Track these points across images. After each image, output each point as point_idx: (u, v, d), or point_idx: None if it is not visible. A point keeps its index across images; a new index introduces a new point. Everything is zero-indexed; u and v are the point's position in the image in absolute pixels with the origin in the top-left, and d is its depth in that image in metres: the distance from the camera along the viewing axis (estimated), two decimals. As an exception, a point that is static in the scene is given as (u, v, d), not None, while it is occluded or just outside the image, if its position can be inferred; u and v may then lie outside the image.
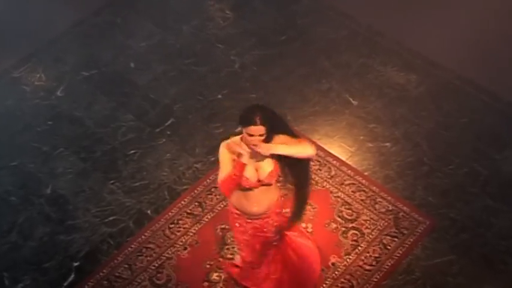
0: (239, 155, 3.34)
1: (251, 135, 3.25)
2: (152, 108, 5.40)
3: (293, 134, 3.44)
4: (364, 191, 4.82)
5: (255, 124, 3.22)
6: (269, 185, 3.53)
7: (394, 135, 5.17)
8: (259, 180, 3.49)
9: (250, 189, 3.52)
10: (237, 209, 3.68)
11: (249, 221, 3.70)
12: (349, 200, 4.77)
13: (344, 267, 4.43)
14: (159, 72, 5.62)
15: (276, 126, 3.32)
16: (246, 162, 3.32)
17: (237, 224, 3.75)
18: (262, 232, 3.74)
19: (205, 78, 5.59)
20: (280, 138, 3.41)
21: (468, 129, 5.13)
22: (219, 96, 5.44)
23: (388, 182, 4.88)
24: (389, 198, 4.78)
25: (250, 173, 3.46)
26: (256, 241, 3.77)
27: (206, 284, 4.35)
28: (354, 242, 4.55)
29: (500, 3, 5.64)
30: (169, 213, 4.73)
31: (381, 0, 5.89)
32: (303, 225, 4.61)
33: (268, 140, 3.36)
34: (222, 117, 5.23)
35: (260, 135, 3.26)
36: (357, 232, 4.61)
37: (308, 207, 4.68)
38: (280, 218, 3.78)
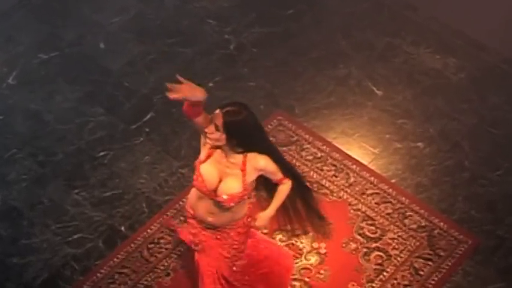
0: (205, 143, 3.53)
1: (212, 119, 3.41)
2: (127, 99, 5.40)
3: (271, 151, 3.58)
4: (390, 202, 4.83)
5: (221, 108, 3.36)
6: (223, 205, 3.59)
7: (428, 133, 5.18)
8: (213, 192, 3.56)
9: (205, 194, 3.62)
10: (193, 214, 3.76)
11: (204, 232, 3.77)
12: (372, 214, 4.77)
13: (366, 298, 4.47)
14: (135, 55, 5.63)
15: (244, 139, 3.44)
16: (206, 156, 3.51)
17: (191, 236, 3.82)
18: (218, 248, 3.78)
19: (193, 62, 5.59)
20: (255, 158, 3.51)
21: (520, 125, 5.19)
22: (210, 84, 5.44)
23: (420, 192, 4.88)
24: (421, 211, 4.79)
25: (208, 175, 3.53)
26: (210, 257, 3.81)
27: (194, 318, 4.36)
28: (378, 266, 4.55)
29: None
30: (148, 230, 4.72)
31: (412, -35, 5.93)
32: (315, 244, 4.62)
33: (232, 148, 3.46)
34: (213, 111, 5.19)
35: (215, 127, 3.37)
36: (381, 254, 4.61)
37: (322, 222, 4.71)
38: (241, 238, 3.82)
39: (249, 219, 3.80)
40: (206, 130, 3.42)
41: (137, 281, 4.52)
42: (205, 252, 3.82)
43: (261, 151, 3.51)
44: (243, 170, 3.50)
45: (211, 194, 3.57)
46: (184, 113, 3.45)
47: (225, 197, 3.53)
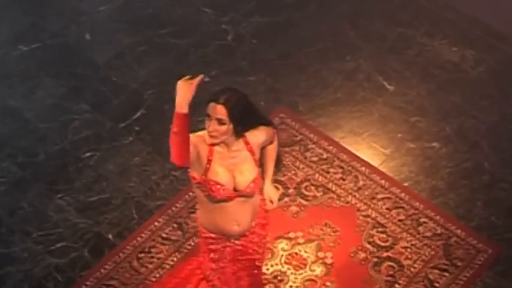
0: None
1: (209, 116, 3.38)
2: (115, 95, 5.40)
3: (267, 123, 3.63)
4: (403, 208, 4.83)
5: (216, 101, 3.35)
6: (250, 196, 3.57)
7: (444, 132, 5.18)
8: (236, 190, 3.53)
9: (225, 200, 3.55)
10: (211, 231, 3.69)
11: (229, 244, 3.72)
12: (383, 221, 4.77)
13: (376, 312, 4.48)
14: (123, 47, 5.64)
15: (247, 121, 3.46)
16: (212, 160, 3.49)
17: (211, 254, 3.75)
18: (247, 254, 3.75)
19: (187, 54, 5.60)
20: (255, 134, 3.55)
21: (545, 123, 5.19)
22: (206, 79, 5.33)
23: (436, 196, 4.88)
24: (437, 217, 4.79)
25: (224, 178, 3.49)
26: (236, 267, 3.78)
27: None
28: (389, 278, 4.55)
29: None
30: (138, 239, 4.73)
31: None
32: (321, 254, 4.62)
33: (237, 135, 3.46)
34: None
35: (219, 122, 3.36)
36: (393, 264, 4.61)
37: (327, 229, 4.70)
38: (266, 230, 3.81)
39: (262, 207, 3.75)
40: (210, 130, 3.39)
41: (126, 294, 4.54)
42: (226, 268, 3.79)
43: (258, 124, 3.54)
44: (251, 150, 3.51)
45: (233, 194, 3.52)
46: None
47: (252, 185, 3.51)
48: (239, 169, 3.51)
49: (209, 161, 3.48)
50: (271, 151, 3.74)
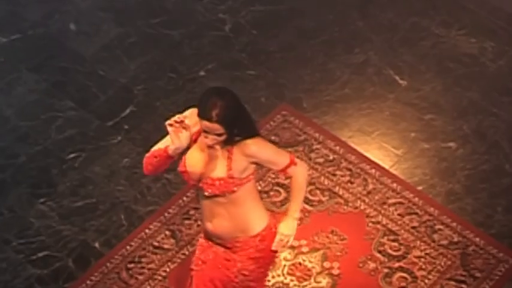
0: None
1: (206, 132, 3.47)
2: (102, 91, 5.40)
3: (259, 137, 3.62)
4: (416, 213, 4.82)
5: (209, 120, 3.42)
6: (214, 195, 3.59)
7: (462, 131, 5.18)
8: (199, 180, 3.59)
9: (204, 195, 3.63)
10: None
11: (214, 248, 3.77)
12: (395, 228, 4.77)
13: (387, 328, 4.48)
14: (111, 38, 5.65)
15: (240, 128, 3.52)
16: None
17: (197, 251, 3.84)
18: (226, 271, 3.76)
19: (181, 46, 5.60)
20: (249, 146, 3.53)
21: None
22: (201, 73, 5.46)
23: (452, 201, 4.88)
24: (453, 224, 4.78)
25: (192, 160, 3.59)
26: (214, 274, 3.79)
27: None
28: (402, 290, 4.59)
29: None
30: (128, 247, 4.73)
31: None
32: (327, 264, 4.60)
33: (229, 142, 3.51)
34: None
35: (217, 135, 3.47)
36: (406, 275, 4.60)
37: (333, 237, 4.70)
38: (253, 268, 3.76)
39: (264, 242, 3.72)
40: (210, 143, 3.48)
41: (114, 308, 4.56)
42: (205, 271, 3.81)
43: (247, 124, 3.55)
44: (229, 157, 3.53)
45: (193, 182, 3.61)
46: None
47: (209, 181, 3.55)
48: (213, 163, 3.56)
49: (194, 141, 3.59)
50: (298, 183, 3.66)
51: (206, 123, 3.42)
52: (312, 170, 4.96)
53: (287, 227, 3.70)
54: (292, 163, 3.60)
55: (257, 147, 3.54)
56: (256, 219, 3.71)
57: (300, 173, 3.65)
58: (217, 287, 3.79)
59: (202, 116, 3.43)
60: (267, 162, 3.60)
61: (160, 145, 3.56)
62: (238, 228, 3.70)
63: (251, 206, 3.67)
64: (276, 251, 3.77)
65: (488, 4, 5.69)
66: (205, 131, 3.46)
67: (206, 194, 3.60)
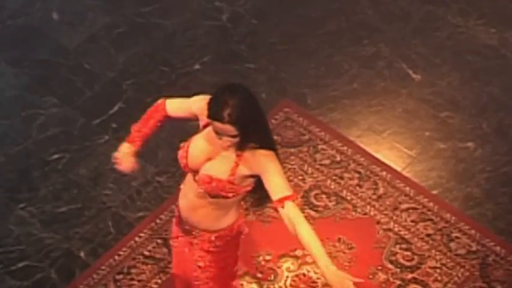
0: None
1: (219, 134, 3.45)
2: (88, 86, 5.40)
3: (273, 146, 3.57)
4: (431, 220, 4.83)
5: (221, 121, 3.39)
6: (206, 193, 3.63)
7: (481, 130, 5.19)
8: (190, 169, 3.64)
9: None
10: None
11: (182, 235, 3.85)
12: (408, 236, 4.77)
13: None
14: (98, 28, 5.65)
15: (255, 131, 3.48)
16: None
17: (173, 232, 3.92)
18: (194, 253, 3.84)
19: (174, 37, 5.61)
20: (258, 156, 3.50)
21: None
22: (196, 66, 5.47)
23: (470, 206, 4.89)
24: (472, 232, 4.79)
25: (195, 148, 3.61)
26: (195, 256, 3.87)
27: None
28: (415, 304, 4.60)
29: None
30: (116, 257, 4.73)
31: None
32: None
33: (242, 147, 3.50)
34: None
35: (232, 136, 3.44)
36: (420, 287, 4.60)
37: (341, 246, 4.69)
38: (216, 263, 3.82)
39: (222, 240, 3.78)
40: (225, 145, 3.47)
41: (101, 324, 4.59)
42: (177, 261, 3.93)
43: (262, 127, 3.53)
44: (237, 162, 3.52)
45: (189, 169, 3.64)
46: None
47: (203, 176, 3.57)
48: (217, 161, 3.57)
49: (204, 127, 3.62)
50: (301, 237, 3.40)
51: (217, 124, 3.38)
52: (316, 173, 4.98)
53: (338, 281, 3.29)
54: (292, 197, 3.41)
55: (266, 160, 3.47)
56: (226, 218, 3.76)
57: (296, 215, 3.39)
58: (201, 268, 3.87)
59: (212, 116, 3.38)
60: (267, 181, 3.46)
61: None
62: (208, 223, 3.75)
63: (232, 210, 3.72)
64: (236, 254, 3.85)
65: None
66: (217, 133, 3.43)
67: (199, 190, 3.62)
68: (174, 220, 3.94)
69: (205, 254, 3.83)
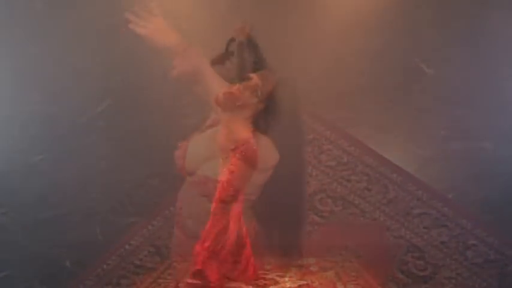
0: None
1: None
2: (72, 79, 5.41)
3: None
4: (446, 226, 4.88)
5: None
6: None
7: (499, 129, 5.21)
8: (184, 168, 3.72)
9: None
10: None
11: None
12: (421, 243, 4.82)
13: None
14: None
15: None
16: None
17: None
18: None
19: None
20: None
21: None
22: None
23: (488, 212, 4.93)
24: (490, 239, 4.84)
25: (195, 148, 3.76)
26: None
27: None
28: (428, 317, 4.64)
29: None
30: (104, 266, 4.78)
31: None
32: (340, 286, 4.62)
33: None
34: (196, 97, 5.23)
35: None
36: (433, 299, 4.67)
37: (347, 254, 4.77)
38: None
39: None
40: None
41: (88, 338, 4.61)
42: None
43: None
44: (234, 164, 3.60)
45: (184, 171, 3.71)
46: None
47: (201, 179, 3.64)
48: (216, 161, 3.66)
49: (210, 126, 3.78)
50: None
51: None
52: (321, 175, 5.03)
53: None
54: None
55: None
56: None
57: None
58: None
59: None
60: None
61: None
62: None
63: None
64: None
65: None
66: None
67: (195, 192, 3.70)
68: None
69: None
